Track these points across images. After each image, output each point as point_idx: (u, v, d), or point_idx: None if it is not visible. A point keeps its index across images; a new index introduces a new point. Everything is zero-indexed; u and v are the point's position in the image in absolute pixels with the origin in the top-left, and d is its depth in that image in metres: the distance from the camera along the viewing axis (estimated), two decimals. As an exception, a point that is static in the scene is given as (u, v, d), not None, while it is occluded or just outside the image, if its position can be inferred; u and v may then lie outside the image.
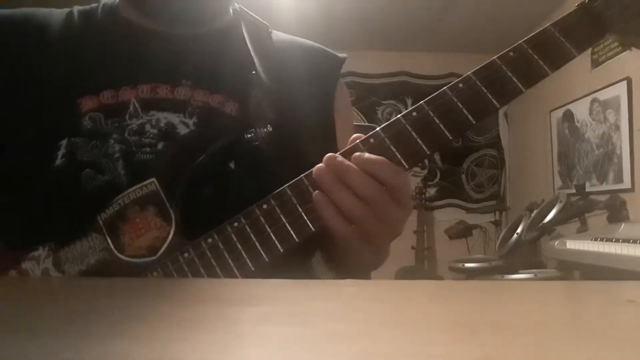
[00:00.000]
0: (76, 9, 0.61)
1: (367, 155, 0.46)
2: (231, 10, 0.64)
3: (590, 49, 2.53)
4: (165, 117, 0.54)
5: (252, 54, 0.60)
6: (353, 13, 3.07)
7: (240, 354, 0.17)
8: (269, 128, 0.55)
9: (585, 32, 0.50)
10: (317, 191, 0.46)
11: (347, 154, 0.47)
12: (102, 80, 0.54)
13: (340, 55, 0.67)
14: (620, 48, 2.38)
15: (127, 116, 0.53)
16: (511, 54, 0.49)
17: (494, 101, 0.48)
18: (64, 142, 0.51)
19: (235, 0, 0.64)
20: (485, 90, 0.48)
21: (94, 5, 0.62)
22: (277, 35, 0.66)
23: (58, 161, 0.50)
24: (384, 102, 3.79)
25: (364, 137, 0.48)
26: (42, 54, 0.55)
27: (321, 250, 0.56)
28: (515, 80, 0.48)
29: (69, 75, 0.54)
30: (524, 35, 0.50)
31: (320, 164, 0.46)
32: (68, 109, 0.52)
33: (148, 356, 0.17)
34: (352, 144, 0.48)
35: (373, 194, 0.45)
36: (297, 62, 0.64)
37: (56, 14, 0.60)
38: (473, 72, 0.48)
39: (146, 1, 0.58)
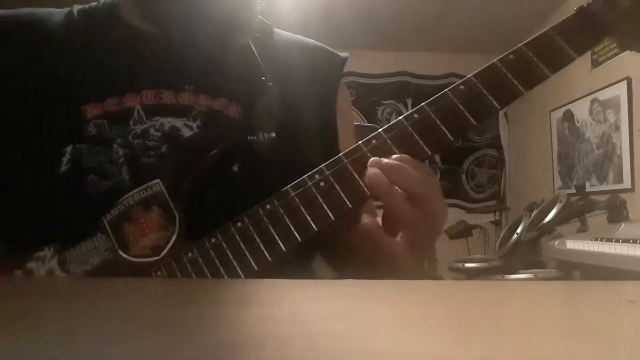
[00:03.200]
0: (76, 8, 0.60)
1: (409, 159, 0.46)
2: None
3: (590, 49, 2.53)
4: (169, 122, 0.54)
5: (258, 57, 0.59)
6: (353, 13, 3.06)
7: (241, 354, 0.17)
8: (273, 134, 0.55)
9: (584, 36, 0.50)
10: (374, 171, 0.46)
11: (349, 155, 0.47)
12: (106, 86, 0.54)
13: (342, 54, 0.67)
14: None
15: (131, 122, 0.53)
16: (511, 56, 0.49)
17: (495, 103, 0.48)
18: (68, 149, 0.51)
19: (255, 16, 0.61)
20: (486, 92, 0.48)
21: (93, 4, 0.62)
22: (279, 34, 0.66)
23: (63, 167, 0.50)
24: (384, 102, 3.79)
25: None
26: (43, 57, 0.55)
27: (323, 251, 0.56)
28: (516, 82, 0.48)
29: (72, 81, 0.54)
30: (524, 35, 0.51)
31: (373, 169, 0.46)
32: (72, 116, 0.52)
33: (150, 356, 0.17)
34: (354, 145, 0.48)
35: (425, 192, 0.45)
36: (299, 62, 0.64)
37: (56, 15, 0.59)
38: (474, 75, 0.49)
39: (148, 6, 0.57)
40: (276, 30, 0.66)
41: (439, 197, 0.47)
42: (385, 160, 0.46)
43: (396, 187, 0.45)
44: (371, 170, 0.45)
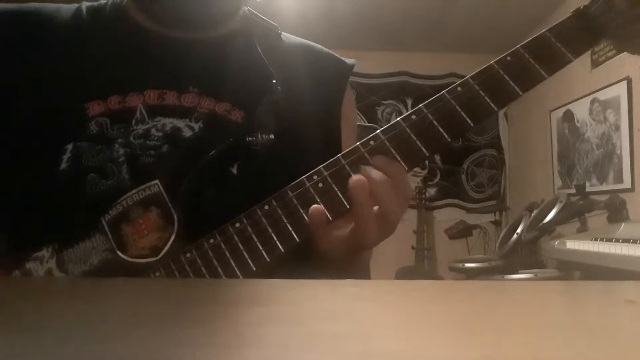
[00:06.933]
0: (84, 5, 0.60)
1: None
2: (240, 13, 0.63)
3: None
4: (171, 122, 0.53)
5: (266, 61, 0.59)
6: (353, 13, 3.07)
7: (241, 354, 0.17)
8: (271, 136, 0.55)
9: (580, 38, 0.50)
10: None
11: (347, 156, 0.47)
12: (110, 84, 0.54)
13: (349, 61, 0.67)
14: (619, 49, 2.40)
15: (133, 122, 0.53)
16: (508, 58, 0.49)
17: (492, 104, 0.48)
18: (69, 147, 0.51)
19: (243, 3, 0.63)
20: (483, 94, 0.48)
21: (102, 1, 0.61)
22: (287, 37, 0.66)
23: (63, 165, 0.50)
24: (384, 102, 3.79)
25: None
26: (49, 53, 0.55)
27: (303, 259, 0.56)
28: (513, 84, 0.48)
29: (76, 78, 0.54)
30: (524, 35, 0.51)
31: (359, 176, 0.46)
32: (75, 113, 0.52)
33: (149, 356, 0.17)
34: (352, 147, 0.48)
35: (383, 190, 0.45)
36: (305, 66, 0.64)
37: (64, 10, 0.59)
38: (471, 76, 0.49)
39: (153, 5, 0.57)
40: (284, 33, 0.66)
41: (396, 220, 0.47)
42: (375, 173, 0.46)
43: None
44: (355, 177, 0.46)
